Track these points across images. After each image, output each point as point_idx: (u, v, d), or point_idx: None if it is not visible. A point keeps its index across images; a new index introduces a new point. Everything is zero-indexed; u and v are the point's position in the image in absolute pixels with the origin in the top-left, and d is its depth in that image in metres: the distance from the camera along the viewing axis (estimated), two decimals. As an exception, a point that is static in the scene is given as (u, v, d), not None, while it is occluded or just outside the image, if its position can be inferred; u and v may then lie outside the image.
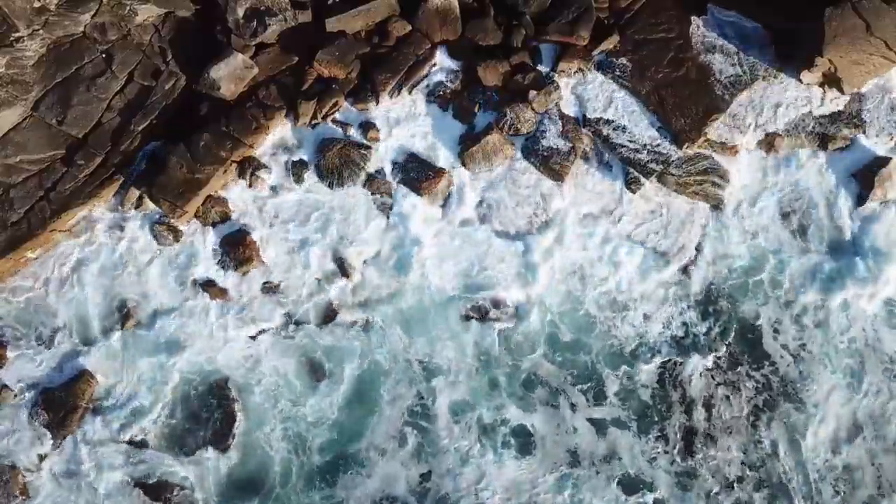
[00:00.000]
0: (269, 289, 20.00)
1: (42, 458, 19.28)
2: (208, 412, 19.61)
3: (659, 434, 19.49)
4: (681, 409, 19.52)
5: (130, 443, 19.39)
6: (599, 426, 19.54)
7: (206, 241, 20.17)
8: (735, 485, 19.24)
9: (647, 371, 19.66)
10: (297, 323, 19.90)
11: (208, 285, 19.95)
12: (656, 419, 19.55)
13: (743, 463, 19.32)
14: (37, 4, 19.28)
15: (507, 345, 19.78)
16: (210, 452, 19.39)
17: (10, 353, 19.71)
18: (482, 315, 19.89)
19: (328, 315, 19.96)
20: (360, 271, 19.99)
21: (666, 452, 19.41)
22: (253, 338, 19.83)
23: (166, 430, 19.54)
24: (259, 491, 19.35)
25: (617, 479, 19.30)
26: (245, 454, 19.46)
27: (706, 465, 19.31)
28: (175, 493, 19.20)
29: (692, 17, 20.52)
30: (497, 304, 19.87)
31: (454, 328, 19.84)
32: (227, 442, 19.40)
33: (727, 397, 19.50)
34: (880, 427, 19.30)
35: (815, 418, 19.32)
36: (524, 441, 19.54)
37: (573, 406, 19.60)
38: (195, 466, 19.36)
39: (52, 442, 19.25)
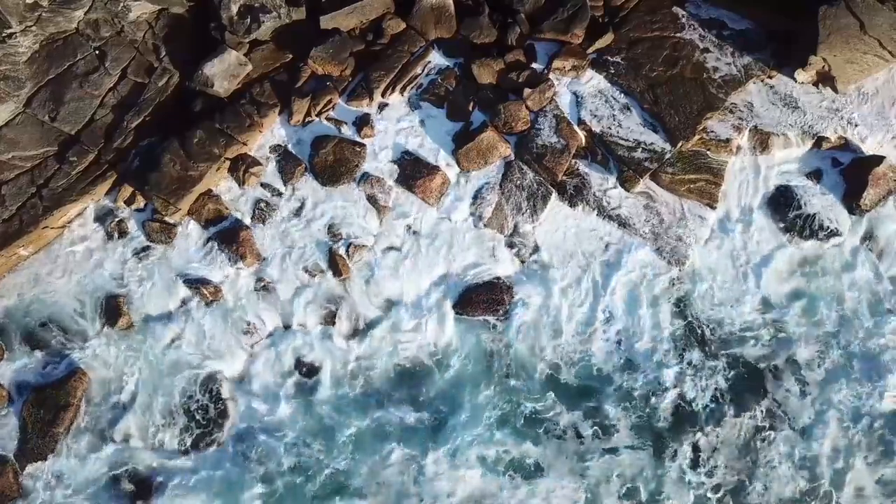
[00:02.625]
0: (263, 287, 19.95)
1: (34, 455, 19.14)
2: (200, 411, 19.45)
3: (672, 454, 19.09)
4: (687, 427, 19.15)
5: (121, 441, 19.23)
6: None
7: (199, 239, 20.08)
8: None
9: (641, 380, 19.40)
10: (293, 323, 19.76)
11: (201, 283, 19.86)
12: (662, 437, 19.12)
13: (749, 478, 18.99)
14: (29, 1, 19.26)
15: (499, 338, 19.67)
16: (202, 452, 19.23)
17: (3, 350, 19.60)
18: (475, 312, 19.75)
19: (324, 314, 19.85)
20: (354, 270, 19.94)
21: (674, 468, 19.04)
22: (246, 335, 19.74)
23: (158, 430, 19.39)
24: (252, 490, 19.27)
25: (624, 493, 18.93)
26: (237, 454, 19.31)
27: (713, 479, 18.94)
28: (164, 492, 19.10)
29: (674, 8, 20.60)
30: (493, 303, 19.81)
31: (448, 334, 19.73)
32: (218, 442, 19.25)
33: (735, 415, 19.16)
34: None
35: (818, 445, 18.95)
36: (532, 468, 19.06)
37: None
38: (187, 466, 19.19)
39: (44, 439, 19.11)
